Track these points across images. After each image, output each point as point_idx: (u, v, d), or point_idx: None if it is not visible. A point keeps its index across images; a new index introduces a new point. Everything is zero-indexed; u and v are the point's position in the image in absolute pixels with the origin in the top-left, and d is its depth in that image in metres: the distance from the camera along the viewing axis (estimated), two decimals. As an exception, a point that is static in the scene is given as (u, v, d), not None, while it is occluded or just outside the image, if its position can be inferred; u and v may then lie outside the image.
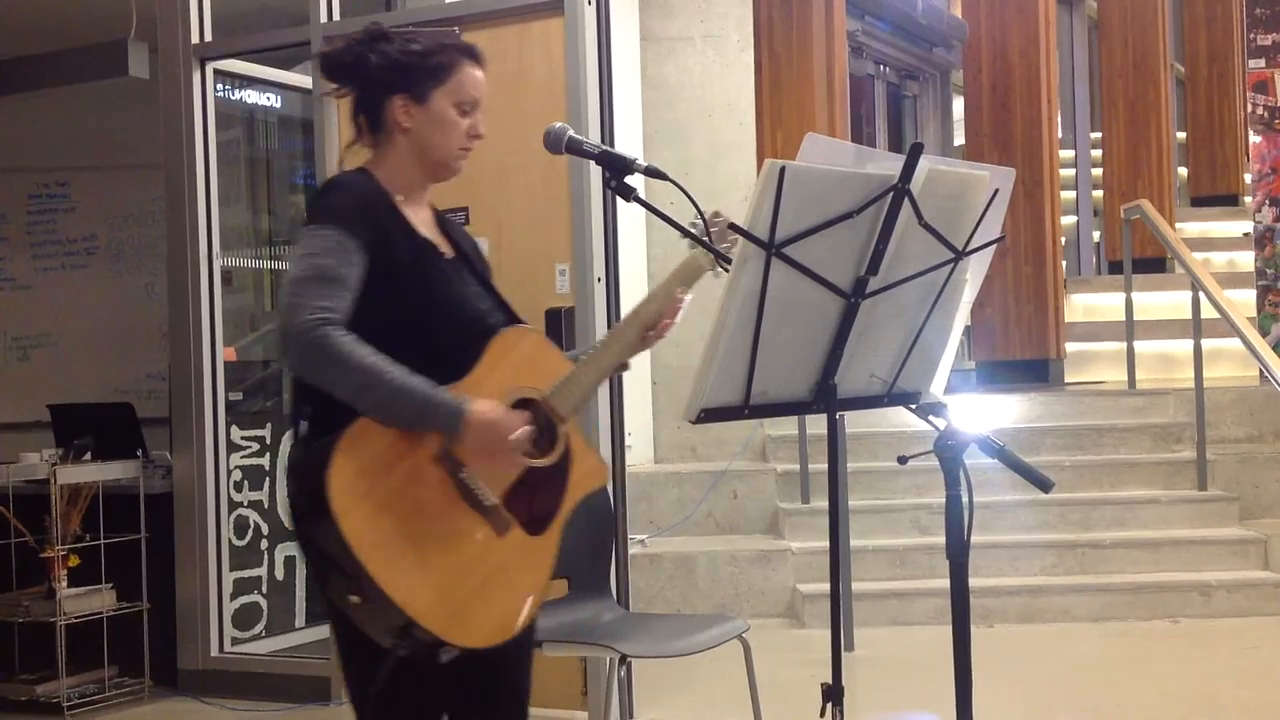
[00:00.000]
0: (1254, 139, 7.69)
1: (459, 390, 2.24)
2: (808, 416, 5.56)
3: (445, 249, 2.48)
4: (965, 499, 2.17)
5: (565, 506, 2.36)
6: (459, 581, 2.20)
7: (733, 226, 2.04)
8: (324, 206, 2.33)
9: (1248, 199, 9.22)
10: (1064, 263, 9.11)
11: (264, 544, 5.44)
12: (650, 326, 2.44)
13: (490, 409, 2.21)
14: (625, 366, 2.55)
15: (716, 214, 2.51)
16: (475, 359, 2.31)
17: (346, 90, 2.47)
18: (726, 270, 2.14)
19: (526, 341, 2.41)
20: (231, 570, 5.28)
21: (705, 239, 2.41)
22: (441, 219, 2.56)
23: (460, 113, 2.43)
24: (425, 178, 2.48)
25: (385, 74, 2.42)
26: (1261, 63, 7.62)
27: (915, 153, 2.09)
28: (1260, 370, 6.29)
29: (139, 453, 5.32)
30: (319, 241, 2.26)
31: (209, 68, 5.30)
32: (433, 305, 2.35)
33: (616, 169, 2.47)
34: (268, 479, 5.47)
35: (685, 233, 2.46)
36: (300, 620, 5.58)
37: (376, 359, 2.17)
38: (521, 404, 2.33)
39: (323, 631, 5.26)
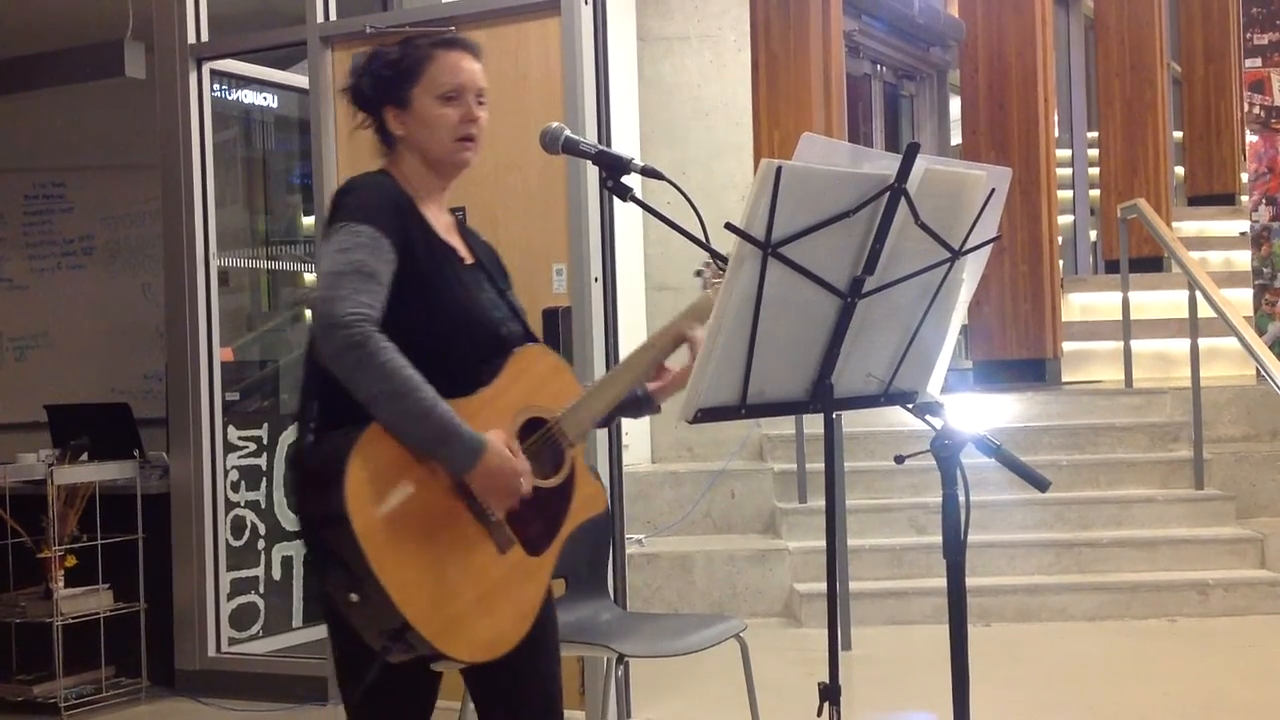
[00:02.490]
0: (1250, 138, 7.70)
1: (476, 402, 2.26)
2: (805, 416, 5.57)
3: (465, 255, 2.48)
4: (962, 498, 2.17)
5: (565, 530, 2.38)
6: (457, 592, 2.20)
7: (729, 226, 2.03)
8: (354, 204, 2.31)
9: (1244, 198, 9.24)
10: (1061, 262, 9.12)
11: (261, 544, 5.44)
12: (661, 359, 2.49)
13: (504, 458, 2.22)
14: (655, 408, 2.59)
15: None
16: (490, 371, 2.33)
17: (366, 120, 2.49)
18: (723, 269, 2.13)
19: (544, 362, 2.43)
20: (228, 570, 5.27)
21: (704, 242, 2.42)
22: (462, 226, 2.57)
23: (444, 103, 2.42)
24: (435, 179, 2.48)
25: (375, 91, 2.45)
26: (1258, 62, 7.62)
27: (912, 152, 2.09)
28: (1257, 369, 6.29)
29: (136, 453, 5.32)
30: (353, 237, 2.25)
31: (205, 68, 5.29)
32: (448, 311, 2.35)
33: (613, 169, 2.47)
34: (264, 479, 5.46)
35: (682, 232, 2.47)
36: (297, 620, 5.58)
37: (411, 373, 2.17)
38: (532, 423, 2.34)
39: (320, 632, 5.25)
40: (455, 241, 2.48)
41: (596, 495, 2.44)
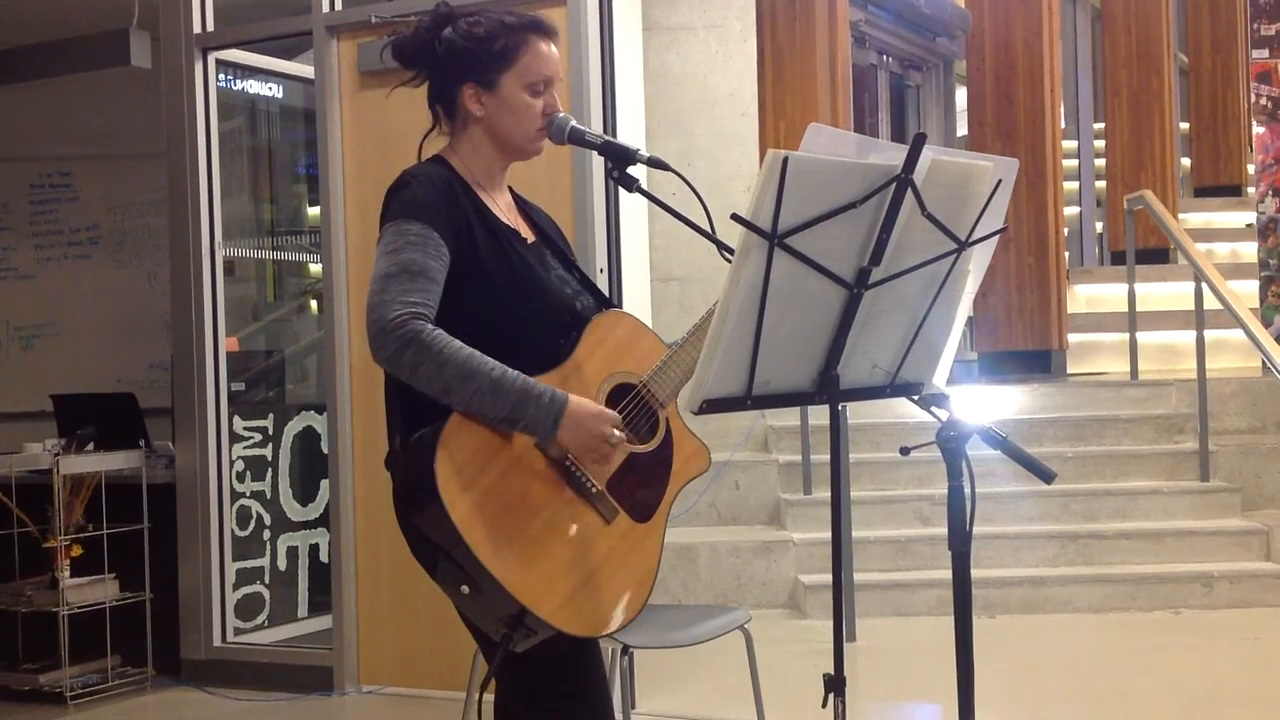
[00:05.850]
0: (1257, 129, 7.67)
1: (558, 376, 2.24)
2: (810, 407, 5.57)
3: (527, 233, 2.46)
4: (967, 490, 2.17)
5: (670, 492, 2.34)
6: (568, 569, 2.17)
7: (735, 217, 2.03)
8: (404, 200, 2.28)
9: (1251, 189, 9.22)
10: (1067, 253, 9.11)
11: (266, 534, 5.45)
12: None
13: (588, 406, 2.19)
14: None
15: None
16: (569, 345, 2.30)
17: (417, 79, 2.43)
18: (729, 260, 2.13)
19: (622, 325, 2.40)
20: (234, 560, 5.28)
21: (710, 233, 2.41)
22: (521, 202, 2.54)
23: (532, 94, 2.39)
24: (503, 162, 2.46)
25: (452, 62, 2.38)
26: (1265, 53, 7.60)
27: (918, 143, 2.08)
28: (1263, 361, 6.28)
29: (141, 443, 5.32)
30: (402, 237, 2.23)
31: (211, 57, 5.29)
32: (519, 295, 2.33)
33: (619, 160, 2.46)
34: (270, 469, 5.47)
35: (688, 223, 2.46)
36: (303, 610, 5.59)
37: (471, 353, 2.15)
38: (620, 389, 2.32)
39: (325, 622, 5.26)
40: (517, 222, 2.46)
41: (698, 453, 2.40)
